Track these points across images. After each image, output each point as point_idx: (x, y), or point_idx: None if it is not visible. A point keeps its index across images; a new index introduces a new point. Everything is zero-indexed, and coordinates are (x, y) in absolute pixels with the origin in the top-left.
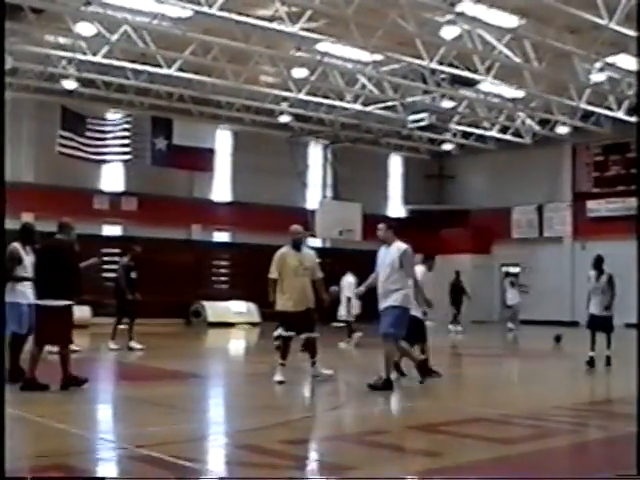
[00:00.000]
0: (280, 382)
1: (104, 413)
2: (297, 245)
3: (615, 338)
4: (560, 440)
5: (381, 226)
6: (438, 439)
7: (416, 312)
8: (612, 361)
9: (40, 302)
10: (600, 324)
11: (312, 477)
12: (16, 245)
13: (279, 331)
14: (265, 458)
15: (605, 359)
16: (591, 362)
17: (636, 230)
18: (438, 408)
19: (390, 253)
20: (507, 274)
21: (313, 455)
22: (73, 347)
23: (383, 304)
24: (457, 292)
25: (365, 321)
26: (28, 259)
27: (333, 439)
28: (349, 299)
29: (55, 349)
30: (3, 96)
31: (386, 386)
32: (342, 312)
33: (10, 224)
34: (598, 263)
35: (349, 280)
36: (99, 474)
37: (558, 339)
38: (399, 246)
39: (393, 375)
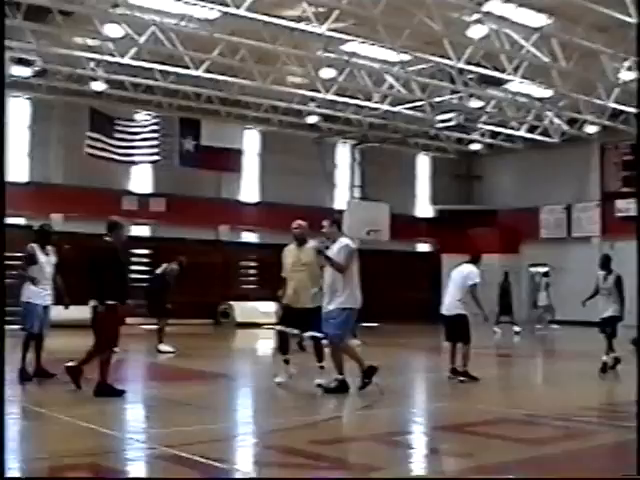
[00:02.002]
0: (279, 383)
1: (133, 413)
2: (298, 240)
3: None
4: (588, 441)
5: (325, 222)
6: (466, 440)
7: (462, 310)
8: (608, 368)
9: (92, 303)
10: (607, 326)
11: (340, 477)
12: (33, 246)
13: (278, 326)
14: (293, 458)
15: (601, 364)
16: (615, 364)
17: (636, 230)
18: (465, 409)
19: (333, 251)
20: (545, 274)
21: (341, 455)
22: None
23: (329, 305)
24: (505, 293)
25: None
26: (46, 260)
27: (361, 439)
28: None
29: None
30: (3, 96)
31: (341, 388)
32: None
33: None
34: (606, 263)
35: None
36: (128, 474)
37: (636, 343)
38: (341, 241)
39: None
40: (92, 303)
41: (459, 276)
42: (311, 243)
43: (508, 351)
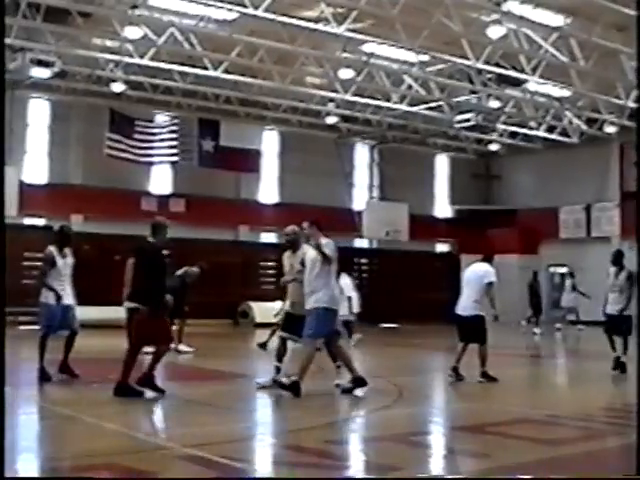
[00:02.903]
0: (260, 386)
1: (152, 413)
2: (292, 245)
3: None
4: (608, 442)
5: (305, 223)
6: (484, 440)
7: (479, 311)
8: (625, 367)
9: (127, 304)
10: (616, 325)
11: (358, 477)
12: (51, 249)
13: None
14: (311, 458)
15: (619, 365)
16: (621, 367)
17: (636, 230)
18: (484, 409)
19: (313, 251)
20: (571, 275)
21: (359, 455)
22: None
23: (308, 304)
24: (534, 293)
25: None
26: (64, 262)
27: (379, 439)
28: (349, 298)
29: (150, 349)
30: (3, 97)
31: (294, 388)
32: (344, 311)
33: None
34: (618, 259)
35: (345, 281)
36: (147, 474)
37: None
38: (321, 241)
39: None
40: (129, 305)
41: (475, 276)
42: (324, 240)
43: (528, 351)
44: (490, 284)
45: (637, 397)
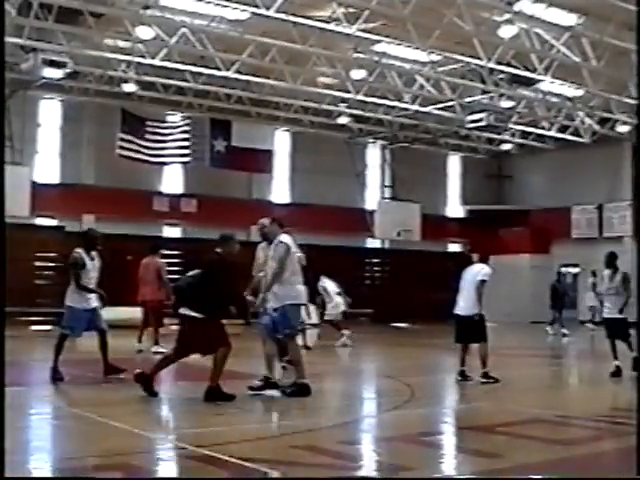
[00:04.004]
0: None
1: (164, 413)
2: (266, 238)
3: None
4: (620, 442)
5: (265, 221)
6: (496, 440)
7: (477, 310)
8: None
9: (181, 311)
10: (615, 329)
11: (369, 477)
12: (79, 251)
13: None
14: (323, 458)
15: (632, 362)
16: (617, 372)
17: (635, 231)
18: (495, 409)
19: (272, 248)
20: (593, 273)
21: (371, 455)
22: (160, 349)
23: (272, 303)
24: (558, 294)
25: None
26: (92, 265)
27: (391, 440)
28: (339, 294)
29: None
30: (3, 97)
31: (302, 390)
32: (331, 311)
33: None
34: (611, 261)
35: (326, 284)
36: (159, 474)
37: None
38: (278, 239)
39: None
40: (187, 312)
41: (473, 277)
42: (282, 237)
43: (540, 352)
44: (482, 282)
45: (637, 397)
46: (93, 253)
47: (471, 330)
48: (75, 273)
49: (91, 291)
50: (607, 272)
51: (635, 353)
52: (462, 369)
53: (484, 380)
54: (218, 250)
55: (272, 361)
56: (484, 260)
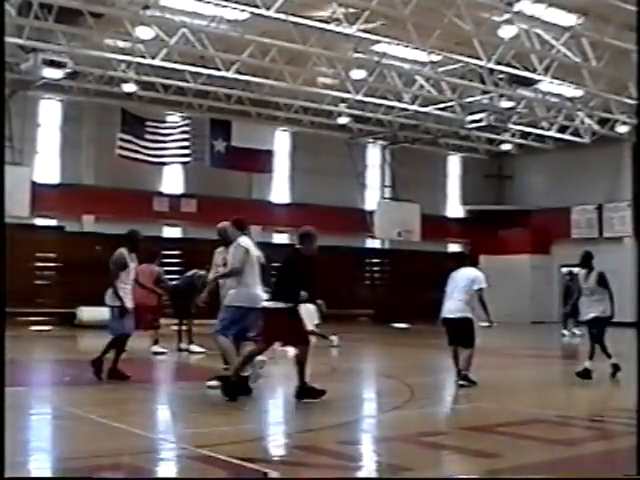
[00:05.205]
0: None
1: (164, 413)
2: (225, 242)
3: None
4: (620, 442)
5: (226, 223)
6: (496, 440)
7: (468, 314)
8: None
9: (266, 304)
10: (590, 328)
11: (369, 477)
12: (122, 251)
13: None
14: (323, 459)
15: (583, 369)
16: (584, 373)
17: (635, 231)
18: (496, 409)
19: (229, 252)
20: (570, 274)
21: (371, 456)
22: (160, 349)
23: (225, 302)
24: (571, 293)
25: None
26: (132, 266)
27: (391, 440)
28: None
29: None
30: (3, 97)
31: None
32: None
33: (70, 226)
34: (587, 260)
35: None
36: (159, 474)
37: None
38: (236, 242)
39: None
40: (271, 304)
41: (465, 280)
42: (240, 240)
43: (542, 352)
44: (480, 290)
45: (637, 397)
46: (133, 255)
47: (461, 333)
48: (116, 273)
49: (119, 297)
50: (582, 272)
51: (614, 359)
52: (458, 369)
53: (462, 382)
54: (298, 246)
55: (232, 356)
56: (474, 263)
